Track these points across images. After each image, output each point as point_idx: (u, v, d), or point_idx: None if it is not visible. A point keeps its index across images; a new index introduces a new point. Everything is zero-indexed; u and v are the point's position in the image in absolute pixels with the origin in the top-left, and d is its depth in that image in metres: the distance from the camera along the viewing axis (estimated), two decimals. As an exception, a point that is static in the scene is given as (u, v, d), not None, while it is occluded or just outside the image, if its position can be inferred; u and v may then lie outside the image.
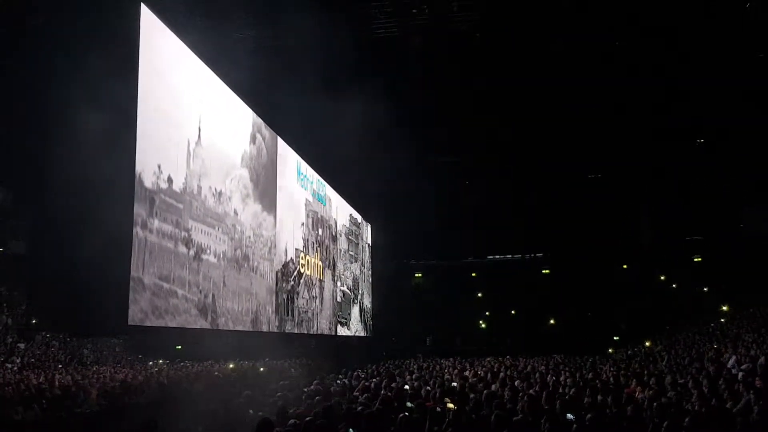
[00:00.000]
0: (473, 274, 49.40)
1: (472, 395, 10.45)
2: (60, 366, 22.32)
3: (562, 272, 44.12)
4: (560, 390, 11.65)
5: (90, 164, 9.58)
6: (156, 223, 11.27)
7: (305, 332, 22.33)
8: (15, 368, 20.57)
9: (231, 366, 23.00)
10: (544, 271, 46.81)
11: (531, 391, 10.88)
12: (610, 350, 34.54)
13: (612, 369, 17.16)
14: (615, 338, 38.51)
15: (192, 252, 12.87)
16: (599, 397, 9.93)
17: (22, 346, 23.62)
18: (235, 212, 15.69)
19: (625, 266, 44.12)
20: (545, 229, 43.27)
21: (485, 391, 10.94)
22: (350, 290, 30.58)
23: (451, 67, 28.48)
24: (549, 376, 15.18)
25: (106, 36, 10.17)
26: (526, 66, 28.34)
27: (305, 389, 11.30)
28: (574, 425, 6.89)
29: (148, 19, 11.32)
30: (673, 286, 42.54)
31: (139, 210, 10.57)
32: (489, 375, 15.81)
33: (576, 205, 41.61)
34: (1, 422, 11.73)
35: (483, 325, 46.60)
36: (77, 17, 9.92)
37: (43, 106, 9.71)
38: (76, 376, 17.62)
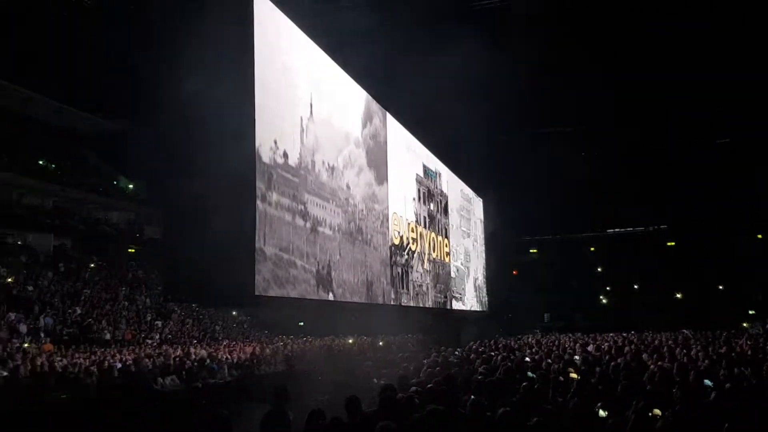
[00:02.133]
0: (591, 249, 47.98)
1: (597, 368, 10.15)
2: (195, 341, 23.67)
3: (689, 244, 41.94)
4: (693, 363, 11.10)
5: (213, 145, 9.98)
6: (275, 197, 11.65)
7: (420, 306, 22.45)
8: (154, 344, 22.01)
9: (351, 341, 23.56)
10: (669, 244, 44.70)
11: (661, 363, 10.44)
12: (744, 324, 32.57)
13: (748, 342, 16.16)
14: (750, 312, 36.24)
15: (308, 224, 13.20)
16: (735, 370, 9.36)
17: (159, 323, 25.24)
18: (348, 186, 15.93)
19: (759, 236, 41.31)
20: (670, 200, 41.14)
21: (611, 363, 10.60)
22: (463, 265, 30.40)
23: (563, 31, 27.42)
24: (678, 349, 14.50)
25: (221, 20, 10.51)
26: (646, 23, 26.78)
27: (425, 360, 11.38)
28: (713, 393, 6.51)
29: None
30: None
31: (259, 184, 10.94)
32: (613, 349, 15.31)
33: (703, 172, 39.20)
34: (144, 391, 12.57)
35: (604, 301, 45.22)
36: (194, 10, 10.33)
37: (172, 97, 10.22)
38: (209, 350, 18.65)
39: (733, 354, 12.07)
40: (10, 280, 22.18)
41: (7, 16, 22.65)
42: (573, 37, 27.87)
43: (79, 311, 22.21)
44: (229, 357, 17.22)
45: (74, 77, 26.61)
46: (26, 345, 17.88)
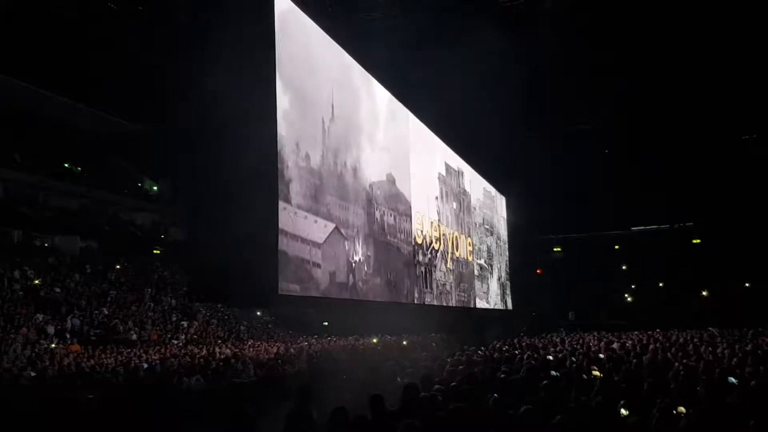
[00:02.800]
0: (616, 247, 47.59)
1: (622, 366, 10.10)
2: (220, 341, 23.85)
3: (715, 241, 41.38)
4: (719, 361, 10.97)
5: (236, 147, 10.09)
6: (297, 199, 11.72)
7: (444, 305, 22.46)
8: (180, 344, 22.22)
9: (375, 340, 23.59)
10: (694, 241, 44.16)
11: (686, 361, 10.34)
12: (772, 322, 32.06)
13: (776, 341, 15.95)
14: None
15: (331, 225, 13.28)
16: (761, 368, 9.24)
17: (185, 323, 25.45)
18: (371, 187, 15.99)
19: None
20: (695, 197, 40.60)
21: (634, 361, 10.54)
22: (487, 263, 30.34)
23: (588, 28, 27.19)
24: (704, 347, 14.34)
25: (243, 22, 10.61)
26: (669, 18, 26.46)
27: (448, 359, 11.39)
28: (736, 390, 6.45)
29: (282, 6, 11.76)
30: None
31: (281, 186, 11.04)
32: (638, 347, 15.18)
33: (729, 168, 38.63)
34: (170, 390, 12.72)
35: (629, 299, 44.81)
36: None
37: (195, 100, 10.34)
38: (234, 350, 18.81)
39: (759, 351, 11.91)
40: (37, 281, 22.52)
41: (30, 18, 22.97)
42: (598, 34, 27.66)
43: (105, 312, 22.48)
44: (254, 357, 17.34)
45: (98, 79, 26.92)
46: (54, 346, 18.15)
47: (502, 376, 8.28)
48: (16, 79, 26.81)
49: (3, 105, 28.04)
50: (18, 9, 22.09)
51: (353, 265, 14.39)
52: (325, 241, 12.90)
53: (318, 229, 12.63)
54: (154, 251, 32.92)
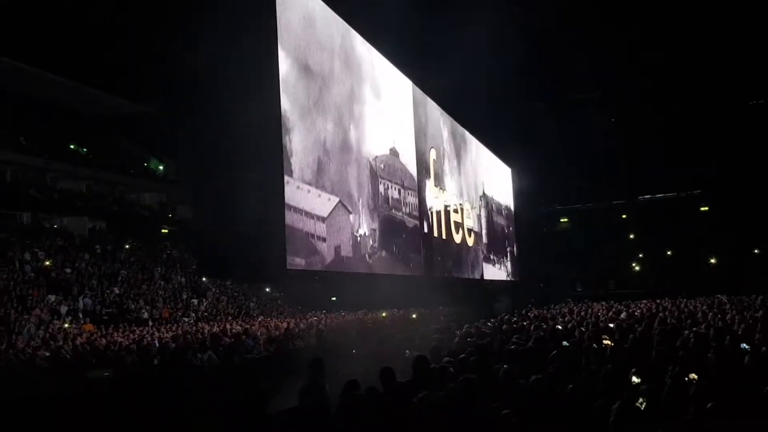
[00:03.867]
0: (623, 216, 47.48)
1: (631, 335, 10.12)
2: (230, 318, 24.04)
3: (723, 208, 41.21)
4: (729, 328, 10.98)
5: (238, 121, 10.06)
6: (300, 173, 11.75)
7: (452, 276, 22.56)
8: (191, 321, 22.42)
9: (383, 314, 23.73)
10: (702, 209, 44.02)
11: (696, 329, 10.36)
12: (781, 288, 32.01)
13: (786, 306, 15.92)
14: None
15: (335, 199, 13.31)
16: (772, 333, 9.26)
17: (195, 301, 25.65)
18: (375, 160, 15.99)
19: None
20: (703, 164, 40.33)
21: (639, 329, 10.57)
22: (494, 234, 30.43)
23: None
24: (712, 314, 14.36)
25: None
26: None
27: (457, 332, 11.44)
28: (747, 356, 6.46)
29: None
30: None
31: (285, 161, 11.03)
32: (647, 316, 15.22)
33: (736, 134, 38.32)
34: (184, 367, 12.84)
35: (637, 268, 44.79)
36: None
37: (199, 79, 10.31)
38: (245, 326, 18.96)
39: (769, 318, 11.92)
40: (48, 263, 22.67)
41: (36, 3, 22.87)
42: (600, 2, 27.36)
43: (116, 291, 22.66)
44: (264, 332, 17.47)
45: (100, 60, 26.85)
46: (67, 326, 18.32)
47: (512, 347, 8.32)
48: (20, 62, 26.77)
49: (8, 88, 28.03)
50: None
51: (358, 239, 14.42)
52: (329, 215, 12.92)
53: (322, 203, 12.65)
54: (162, 230, 33.07)
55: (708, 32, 29.46)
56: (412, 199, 18.68)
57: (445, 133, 23.18)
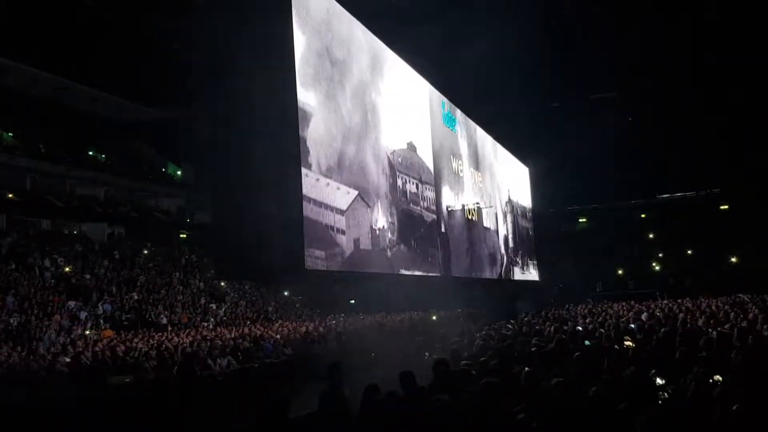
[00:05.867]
0: (642, 216, 47.16)
1: (654, 336, 10.00)
2: (249, 322, 24.08)
3: (743, 207, 40.73)
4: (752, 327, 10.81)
5: (261, 129, 10.08)
6: (319, 166, 11.75)
7: (475, 276, 22.49)
8: (210, 326, 22.49)
9: (402, 317, 23.68)
10: (722, 207, 43.57)
11: (720, 329, 10.21)
12: (806, 287, 31.51)
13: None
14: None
15: (354, 192, 13.30)
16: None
17: (214, 306, 25.73)
18: (393, 155, 15.97)
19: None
20: (721, 162, 39.90)
21: (663, 330, 10.43)
22: (517, 235, 30.28)
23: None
24: (734, 314, 14.15)
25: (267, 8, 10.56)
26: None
27: (477, 334, 11.38)
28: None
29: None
30: None
31: (303, 154, 11.03)
32: (669, 316, 15.05)
33: (754, 132, 37.80)
34: (201, 372, 12.87)
35: (657, 268, 44.40)
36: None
37: (219, 84, 10.33)
38: (263, 330, 18.98)
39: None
40: (68, 269, 22.87)
41: (51, 7, 23.07)
42: (616, 3, 27.17)
43: (135, 297, 22.79)
44: (283, 336, 17.48)
45: (118, 66, 27.05)
46: (87, 332, 18.45)
47: (533, 349, 8.24)
48: (39, 69, 27.07)
49: (26, 95, 28.35)
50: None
51: (377, 232, 14.42)
52: (348, 208, 12.93)
53: (341, 196, 12.66)
54: (181, 235, 33.26)
55: (726, 30, 29.14)
56: (430, 194, 18.64)
57: (463, 135, 23.11)
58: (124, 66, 26.61)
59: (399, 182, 16.30)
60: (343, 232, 12.56)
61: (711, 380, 5.51)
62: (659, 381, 5.45)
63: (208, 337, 16.60)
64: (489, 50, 20.17)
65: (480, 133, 25.35)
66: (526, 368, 6.42)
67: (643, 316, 16.52)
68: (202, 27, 10.75)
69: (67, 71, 27.86)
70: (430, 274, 18.24)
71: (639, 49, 30.88)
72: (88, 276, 23.02)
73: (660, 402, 5.12)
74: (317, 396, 5.98)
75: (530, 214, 35.06)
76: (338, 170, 12.71)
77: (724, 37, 29.88)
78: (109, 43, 24.88)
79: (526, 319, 17.05)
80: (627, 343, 9.03)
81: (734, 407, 4.49)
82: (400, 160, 16.49)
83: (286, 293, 30.54)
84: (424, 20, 18.24)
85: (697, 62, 32.98)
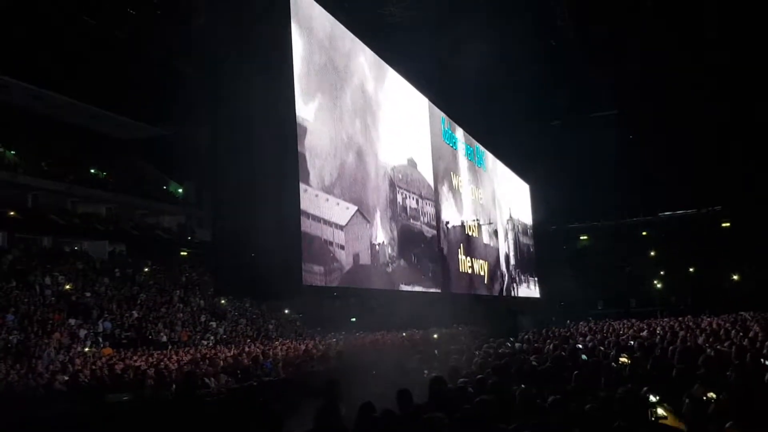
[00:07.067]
0: (644, 233, 47.12)
1: (652, 354, 9.99)
2: (249, 340, 24.07)
3: (745, 224, 40.72)
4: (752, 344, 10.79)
5: (259, 146, 10.13)
6: (318, 182, 11.78)
7: (473, 293, 22.42)
8: (210, 344, 22.48)
9: (403, 334, 23.65)
10: (723, 225, 43.55)
11: (718, 347, 10.20)
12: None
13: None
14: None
15: (353, 207, 13.31)
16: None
17: (214, 324, 25.73)
18: (392, 170, 15.99)
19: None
20: (723, 179, 39.93)
21: (660, 347, 10.43)
22: (516, 251, 30.24)
23: (605, 11, 26.74)
24: (734, 332, 14.13)
25: (265, 21, 10.65)
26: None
27: (476, 351, 11.36)
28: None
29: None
30: None
31: (302, 169, 11.05)
32: (669, 334, 15.02)
33: (756, 149, 37.87)
34: (198, 391, 12.83)
35: (658, 285, 44.29)
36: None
37: (216, 101, 10.44)
38: (263, 348, 18.96)
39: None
40: (68, 287, 22.91)
41: (52, 25, 23.22)
42: (620, 17, 27.27)
43: (135, 315, 22.80)
44: (283, 355, 17.45)
45: (120, 85, 27.18)
46: (87, 350, 18.45)
47: (531, 366, 8.24)
48: (41, 86, 27.24)
49: (28, 113, 28.53)
50: (40, 17, 22.36)
51: (377, 247, 14.39)
52: (347, 223, 12.92)
53: (340, 212, 12.65)
54: (181, 253, 33.30)
55: (727, 49, 29.28)
56: (430, 209, 18.63)
57: (463, 152, 23.17)
58: (126, 84, 26.75)
59: (399, 197, 16.31)
60: (343, 248, 12.55)
61: (705, 397, 5.51)
62: (652, 398, 5.45)
63: (208, 356, 16.60)
64: (490, 68, 20.28)
65: (480, 149, 25.40)
66: (522, 386, 6.43)
67: (643, 334, 16.50)
68: (201, 43, 10.85)
69: (69, 89, 28.00)
70: (431, 290, 18.18)
71: (640, 67, 30.97)
72: (88, 294, 23.05)
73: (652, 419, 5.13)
74: (313, 414, 5.98)
75: (531, 231, 35.03)
76: (338, 185, 12.73)
77: (724, 56, 30.00)
78: (111, 61, 25.01)
79: (526, 337, 17.02)
80: (622, 360, 9.02)
81: (728, 425, 4.49)
82: (400, 176, 16.51)
83: (286, 311, 30.53)
84: (424, 37, 18.37)
85: (698, 80, 33.08)
